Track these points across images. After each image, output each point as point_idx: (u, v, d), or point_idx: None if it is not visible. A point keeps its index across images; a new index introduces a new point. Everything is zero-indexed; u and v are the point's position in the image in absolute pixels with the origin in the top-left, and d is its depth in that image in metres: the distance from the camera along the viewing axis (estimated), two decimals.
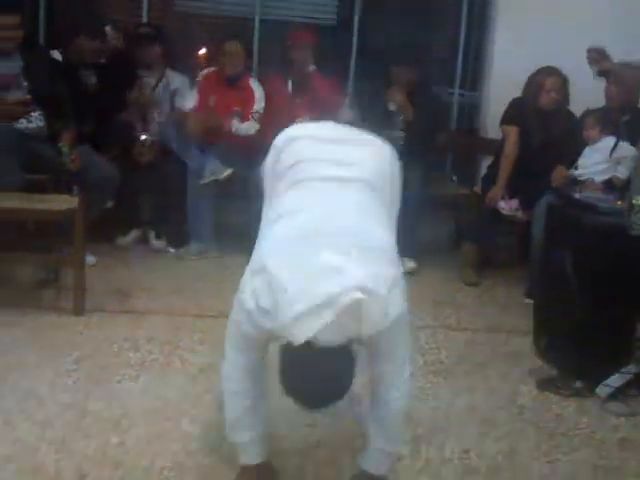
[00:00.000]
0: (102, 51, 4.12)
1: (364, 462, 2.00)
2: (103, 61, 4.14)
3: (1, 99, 3.63)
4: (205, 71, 4.41)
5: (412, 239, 4.21)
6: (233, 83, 4.31)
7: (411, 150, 4.29)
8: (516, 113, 4.10)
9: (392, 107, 4.26)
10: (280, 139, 2.09)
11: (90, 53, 4.05)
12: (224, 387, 1.93)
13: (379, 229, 1.85)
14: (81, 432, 2.23)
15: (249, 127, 4.24)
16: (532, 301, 3.45)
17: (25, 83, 3.67)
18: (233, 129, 4.22)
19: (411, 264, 4.13)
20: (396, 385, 1.87)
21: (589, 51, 3.79)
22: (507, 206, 3.95)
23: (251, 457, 1.98)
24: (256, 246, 1.88)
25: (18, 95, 3.66)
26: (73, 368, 2.67)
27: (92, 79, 4.08)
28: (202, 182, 4.05)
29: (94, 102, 4.01)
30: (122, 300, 3.39)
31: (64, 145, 3.66)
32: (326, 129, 2.15)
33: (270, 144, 2.11)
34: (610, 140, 3.76)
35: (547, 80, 4.01)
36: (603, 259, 2.84)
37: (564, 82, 4.05)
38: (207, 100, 4.31)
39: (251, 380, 1.89)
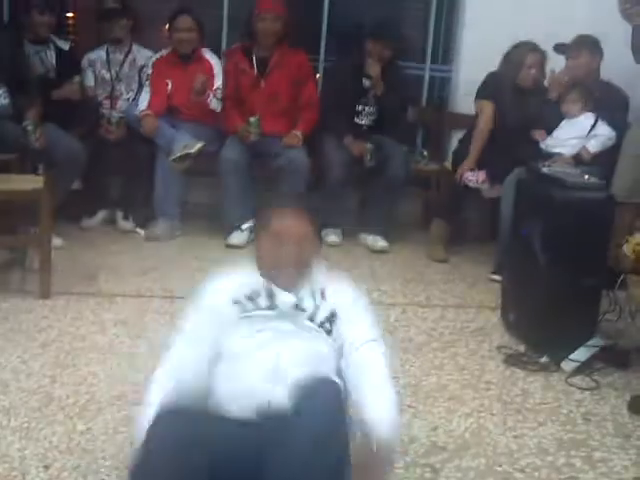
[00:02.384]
0: (50, 25, 4.04)
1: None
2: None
3: None
4: (157, 55, 4.30)
5: (387, 219, 4.23)
6: (188, 60, 4.23)
7: (382, 126, 4.30)
8: (492, 88, 4.05)
9: (366, 83, 4.23)
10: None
11: (41, 27, 3.96)
12: None
13: None
14: (46, 419, 2.20)
15: (216, 105, 4.17)
16: (499, 277, 3.48)
17: None
18: (212, 106, 4.14)
19: (382, 243, 4.14)
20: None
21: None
22: (474, 178, 3.94)
23: None
24: None
25: None
26: (39, 352, 2.64)
27: (52, 59, 4.00)
28: (173, 157, 3.98)
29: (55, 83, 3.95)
30: (89, 282, 3.35)
31: (29, 123, 3.59)
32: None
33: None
34: (590, 117, 3.76)
35: (528, 56, 3.94)
36: (570, 233, 2.86)
37: (544, 58, 3.99)
38: (164, 86, 4.20)
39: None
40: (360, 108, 4.29)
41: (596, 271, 2.85)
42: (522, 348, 2.94)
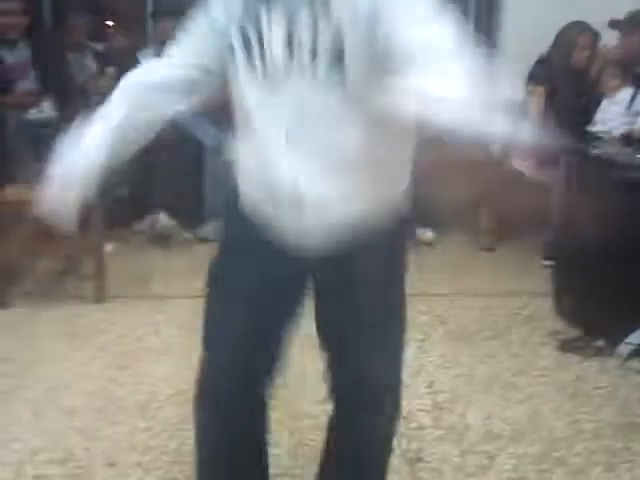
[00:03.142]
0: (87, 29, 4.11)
1: None
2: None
3: (8, 90, 3.64)
4: None
5: (435, 210, 4.20)
6: None
7: None
8: (544, 72, 3.94)
9: None
10: None
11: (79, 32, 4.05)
12: None
13: None
14: (108, 419, 2.28)
15: None
16: (550, 263, 3.44)
17: (33, 73, 3.66)
18: None
19: (430, 235, 4.13)
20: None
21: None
22: (529, 167, 3.86)
23: None
24: None
25: (26, 85, 3.67)
26: (97, 355, 2.72)
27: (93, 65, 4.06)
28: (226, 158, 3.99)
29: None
30: (141, 286, 3.42)
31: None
32: None
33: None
34: (628, 91, 3.69)
35: (580, 37, 3.84)
36: (624, 215, 2.81)
37: (596, 39, 3.87)
38: None
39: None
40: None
41: None
42: (576, 333, 2.90)
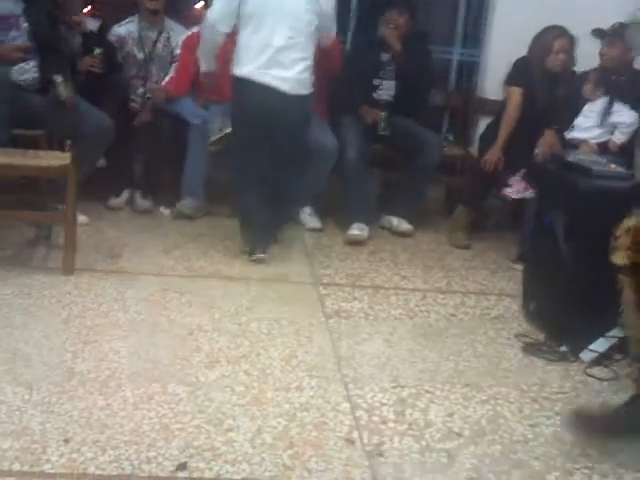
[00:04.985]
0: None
1: None
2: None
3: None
4: (189, 32, 4.24)
5: (414, 203, 4.20)
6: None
7: (403, 102, 4.25)
8: (521, 74, 3.98)
9: (384, 57, 4.21)
10: None
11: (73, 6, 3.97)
12: None
13: None
14: (67, 394, 2.24)
15: None
16: (520, 267, 3.46)
17: (25, 24, 3.59)
18: None
19: (407, 226, 4.13)
20: None
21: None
22: (515, 190, 3.86)
23: None
24: None
25: (18, 37, 3.59)
26: (61, 328, 2.68)
27: (78, 39, 3.98)
28: (213, 139, 3.96)
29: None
30: (112, 260, 3.38)
31: (59, 77, 3.53)
32: None
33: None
34: (604, 101, 3.72)
35: (556, 41, 3.87)
36: (595, 223, 2.83)
37: (572, 43, 3.92)
38: (192, 65, 4.07)
39: None
40: (377, 82, 4.25)
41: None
42: (541, 337, 2.93)
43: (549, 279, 2.98)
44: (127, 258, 3.43)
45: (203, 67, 3.72)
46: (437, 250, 3.96)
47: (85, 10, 4.23)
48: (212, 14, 3.47)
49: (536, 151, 3.75)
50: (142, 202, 4.16)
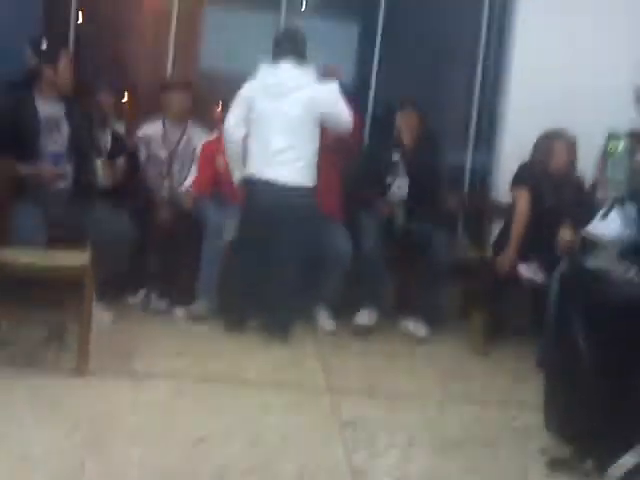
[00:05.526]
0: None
1: None
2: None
3: (36, 169, 3.60)
4: (209, 137, 4.39)
5: (431, 305, 4.15)
6: None
7: (417, 201, 4.26)
8: (526, 177, 4.07)
9: (395, 157, 4.27)
10: None
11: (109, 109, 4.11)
12: None
13: None
14: None
15: None
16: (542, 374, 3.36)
17: (66, 127, 3.69)
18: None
19: (425, 331, 4.07)
20: None
21: None
22: (526, 270, 3.88)
23: None
24: None
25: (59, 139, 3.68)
26: (71, 432, 2.60)
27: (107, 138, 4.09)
28: (226, 240, 4.00)
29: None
30: (125, 362, 3.33)
31: (98, 160, 3.77)
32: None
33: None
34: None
35: (555, 144, 4.01)
36: (617, 332, 2.77)
37: (572, 146, 4.03)
38: (211, 168, 4.27)
39: None
40: (390, 179, 4.28)
41: None
42: (567, 451, 2.80)
43: (572, 391, 2.88)
44: (140, 359, 3.38)
45: (234, 178, 3.95)
46: (455, 356, 3.89)
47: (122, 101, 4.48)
48: (228, 122, 3.81)
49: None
50: (158, 303, 4.16)
